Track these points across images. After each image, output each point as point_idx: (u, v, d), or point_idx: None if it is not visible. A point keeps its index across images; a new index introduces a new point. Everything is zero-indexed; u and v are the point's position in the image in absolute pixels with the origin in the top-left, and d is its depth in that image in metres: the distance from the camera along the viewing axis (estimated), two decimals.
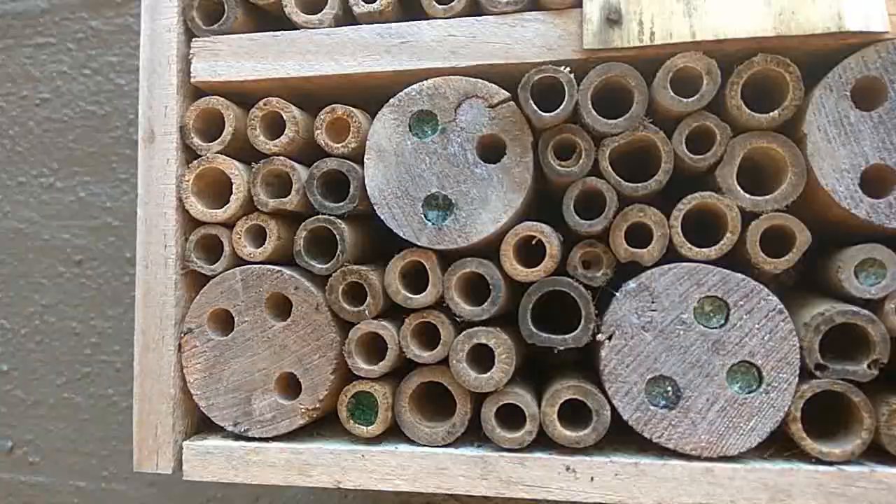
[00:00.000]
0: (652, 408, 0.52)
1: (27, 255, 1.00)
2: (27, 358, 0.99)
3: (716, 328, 0.52)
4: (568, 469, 0.53)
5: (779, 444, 0.53)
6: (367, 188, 0.56)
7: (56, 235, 0.98)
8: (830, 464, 0.51)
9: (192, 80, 0.61)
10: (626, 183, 0.54)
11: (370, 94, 0.60)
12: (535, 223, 0.55)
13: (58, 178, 0.99)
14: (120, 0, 0.99)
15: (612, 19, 0.53)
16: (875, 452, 0.51)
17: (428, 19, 0.57)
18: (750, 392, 0.51)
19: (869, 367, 0.51)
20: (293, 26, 0.60)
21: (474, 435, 0.57)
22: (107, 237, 0.97)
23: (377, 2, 0.58)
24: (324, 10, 0.59)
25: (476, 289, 0.57)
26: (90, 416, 0.98)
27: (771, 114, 0.52)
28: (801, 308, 0.53)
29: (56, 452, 0.98)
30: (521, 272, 0.55)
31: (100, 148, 0.98)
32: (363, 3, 0.59)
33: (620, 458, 0.53)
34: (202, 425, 0.62)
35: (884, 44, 0.51)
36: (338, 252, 0.57)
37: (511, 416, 0.56)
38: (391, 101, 0.57)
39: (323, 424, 0.61)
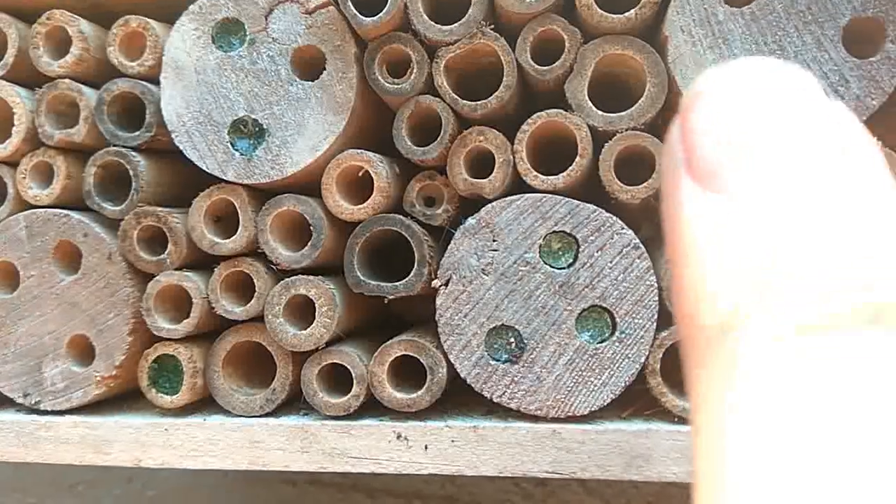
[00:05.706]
0: (493, 362, 0.45)
1: None
2: None
3: (564, 268, 0.44)
4: (399, 437, 0.45)
5: (641, 404, 0.46)
6: (164, 112, 0.47)
7: None
8: None
9: None
10: (463, 101, 0.45)
11: (175, 5, 0.50)
12: (360, 151, 0.47)
13: None
14: None
15: None
16: None
17: None
18: (602, 341, 0.44)
19: None
20: None
21: (304, 402, 0.49)
22: None
23: None
24: None
25: (303, 233, 0.49)
26: None
27: (626, 13, 0.43)
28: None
29: None
30: (345, 210, 0.47)
31: None
32: None
33: (458, 422, 0.45)
34: None
35: None
36: (132, 191, 0.48)
37: (344, 380, 0.48)
38: (191, 7, 0.47)
39: (130, 396, 0.53)
